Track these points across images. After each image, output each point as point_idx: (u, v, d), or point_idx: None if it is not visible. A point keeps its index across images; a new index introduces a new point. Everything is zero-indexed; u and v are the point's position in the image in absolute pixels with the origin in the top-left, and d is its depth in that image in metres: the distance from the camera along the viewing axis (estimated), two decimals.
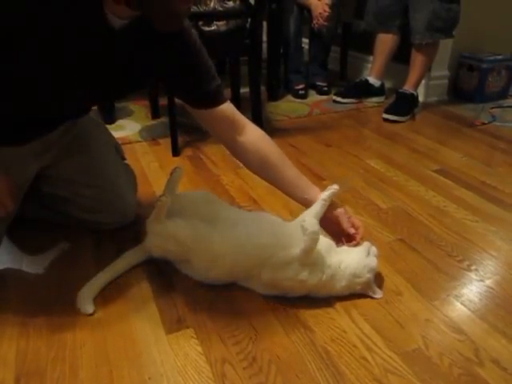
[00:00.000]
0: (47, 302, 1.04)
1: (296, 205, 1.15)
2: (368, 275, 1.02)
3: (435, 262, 1.17)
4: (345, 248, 1.08)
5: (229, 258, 1.02)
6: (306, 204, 1.09)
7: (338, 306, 1.02)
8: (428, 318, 0.99)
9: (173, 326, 0.97)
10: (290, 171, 1.14)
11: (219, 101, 1.07)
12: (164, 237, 1.06)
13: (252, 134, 1.12)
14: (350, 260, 1.03)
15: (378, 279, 1.10)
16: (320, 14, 2.46)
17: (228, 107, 1.10)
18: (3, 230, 1.12)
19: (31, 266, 1.15)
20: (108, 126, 2.06)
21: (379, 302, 1.03)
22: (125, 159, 1.36)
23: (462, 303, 1.03)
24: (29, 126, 1.06)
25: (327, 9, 2.45)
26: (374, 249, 1.07)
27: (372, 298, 1.04)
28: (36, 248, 1.22)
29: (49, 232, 1.28)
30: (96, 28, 0.87)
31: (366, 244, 1.08)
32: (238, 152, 1.13)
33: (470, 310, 1.01)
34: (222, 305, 1.03)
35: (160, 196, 1.07)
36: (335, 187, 1.06)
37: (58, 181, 1.21)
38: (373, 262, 1.05)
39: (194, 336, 0.94)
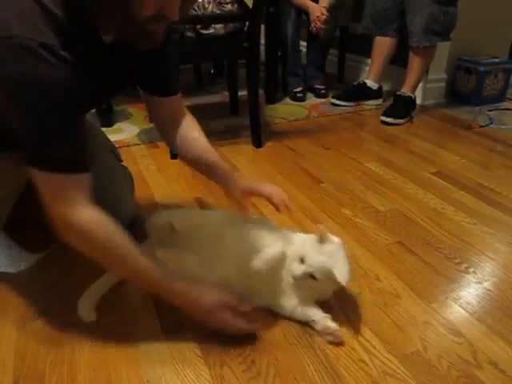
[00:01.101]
0: (45, 304, 1.04)
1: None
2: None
3: (433, 264, 1.18)
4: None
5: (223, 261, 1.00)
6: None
7: (336, 307, 1.02)
8: (426, 321, 0.99)
9: (172, 328, 0.97)
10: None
11: (177, 90, 1.13)
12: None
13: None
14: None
15: (376, 281, 1.10)
16: (318, 17, 2.47)
17: (178, 97, 1.15)
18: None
19: (28, 264, 1.15)
20: (106, 129, 2.08)
21: (377, 305, 1.03)
22: (121, 162, 1.36)
23: (460, 305, 1.03)
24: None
25: (325, 12, 2.46)
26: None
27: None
28: (35, 249, 1.22)
29: (46, 232, 1.27)
30: (96, 48, 0.90)
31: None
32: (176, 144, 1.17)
33: (468, 312, 1.02)
34: None
35: None
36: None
37: None
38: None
39: (193, 339, 0.94)
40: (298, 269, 0.93)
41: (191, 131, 1.16)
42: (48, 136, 0.82)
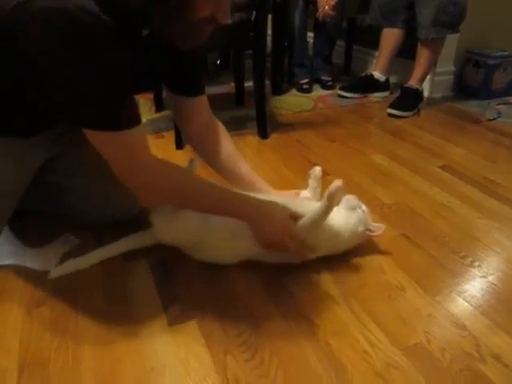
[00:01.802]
0: (49, 291, 1.04)
1: None
2: (363, 228, 1.13)
3: (438, 257, 1.17)
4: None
5: (240, 231, 1.05)
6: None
7: (340, 299, 1.02)
8: (430, 314, 0.99)
9: (175, 317, 0.97)
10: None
11: (203, 90, 1.16)
12: (174, 219, 1.07)
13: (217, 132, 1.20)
14: (341, 216, 1.11)
15: (381, 274, 1.10)
16: (326, 1, 2.44)
17: (205, 99, 1.18)
18: (5, 220, 1.12)
19: (34, 261, 1.15)
20: None
21: (382, 297, 1.03)
22: None
23: (464, 299, 1.03)
24: (44, 116, 1.06)
25: (331, 1, 2.44)
26: (359, 203, 1.15)
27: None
28: (38, 242, 1.22)
29: (50, 225, 1.28)
30: (132, 38, 0.91)
31: (345, 199, 1.15)
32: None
33: (472, 305, 1.01)
34: (225, 297, 1.03)
35: None
36: (339, 184, 1.03)
37: (63, 172, 1.21)
38: (363, 214, 1.13)
39: (197, 327, 0.94)
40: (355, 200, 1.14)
41: (225, 147, 1.19)
42: (109, 95, 0.85)
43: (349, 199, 1.14)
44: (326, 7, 2.45)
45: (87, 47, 0.77)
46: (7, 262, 1.14)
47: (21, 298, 1.02)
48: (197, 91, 1.14)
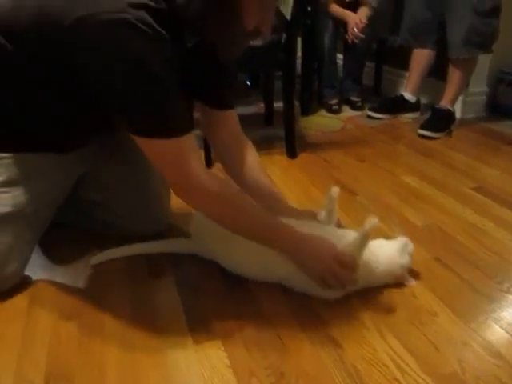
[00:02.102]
0: (78, 306, 1.05)
1: None
2: (399, 271, 1.07)
3: (473, 282, 1.13)
4: (379, 243, 1.10)
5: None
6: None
7: (369, 323, 0.99)
8: (465, 341, 0.94)
9: (201, 336, 0.96)
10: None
11: (232, 104, 1.18)
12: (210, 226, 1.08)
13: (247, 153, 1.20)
14: (384, 256, 1.06)
15: (412, 298, 1.07)
16: (356, 24, 2.46)
17: (234, 114, 1.19)
18: (41, 233, 1.15)
19: (64, 276, 1.17)
20: None
21: (413, 322, 0.99)
22: None
23: (501, 327, 0.99)
24: (82, 132, 1.11)
25: (364, 20, 2.45)
26: (410, 246, 1.10)
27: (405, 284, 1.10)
28: (68, 256, 1.24)
29: (80, 239, 1.30)
30: (179, 47, 0.93)
31: (401, 240, 1.10)
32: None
33: (509, 333, 0.97)
34: (251, 317, 1.01)
35: None
36: (375, 220, 1.00)
37: (96, 186, 1.25)
38: (407, 260, 1.08)
39: (222, 348, 0.93)
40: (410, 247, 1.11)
41: (251, 162, 1.19)
42: (165, 104, 0.87)
43: (407, 244, 1.10)
44: (356, 29, 2.46)
45: (147, 56, 0.81)
46: (39, 275, 1.16)
47: (50, 311, 1.04)
48: (227, 105, 1.17)
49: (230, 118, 1.19)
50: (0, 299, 1.06)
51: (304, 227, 1.06)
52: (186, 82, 0.97)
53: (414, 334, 0.96)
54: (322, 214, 1.16)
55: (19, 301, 1.07)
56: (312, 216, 1.17)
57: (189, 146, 0.92)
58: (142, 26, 0.79)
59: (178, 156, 0.92)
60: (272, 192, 1.20)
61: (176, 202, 1.46)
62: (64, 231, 1.31)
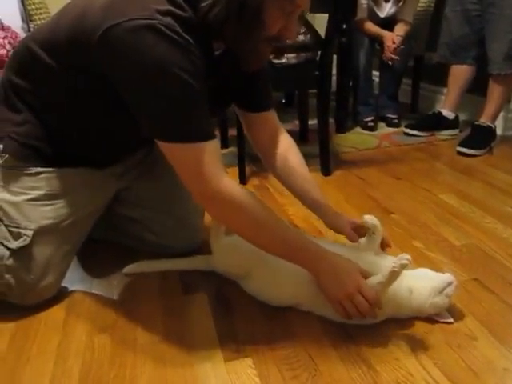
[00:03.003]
0: (111, 319, 1.07)
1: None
2: (432, 311, 1.00)
3: None
4: (420, 274, 1.04)
5: (292, 273, 1.03)
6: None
7: (404, 345, 0.96)
8: (506, 368, 0.90)
9: (231, 353, 0.96)
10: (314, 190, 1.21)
11: (271, 106, 1.20)
12: (227, 251, 1.10)
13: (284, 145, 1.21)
14: (418, 292, 1.00)
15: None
16: (388, 46, 2.44)
17: (273, 114, 1.21)
18: (79, 245, 1.19)
19: (99, 288, 1.20)
20: None
21: (451, 346, 0.96)
22: None
23: None
24: (118, 147, 1.15)
25: (397, 41, 2.43)
26: (451, 288, 1.01)
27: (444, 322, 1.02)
28: (104, 269, 1.27)
29: (115, 253, 1.33)
30: (206, 55, 0.95)
31: (445, 277, 1.02)
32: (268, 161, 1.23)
33: None
34: (282, 335, 1.00)
35: None
36: (407, 257, 0.92)
37: (132, 203, 1.28)
38: (442, 301, 1.00)
39: (252, 366, 0.92)
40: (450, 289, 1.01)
41: (291, 157, 1.20)
42: (190, 109, 0.88)
43: (450, 283, 1.01)
44: (389, 53, 2.45)
45: (173, 61, 0.83)
46: (76, 287, 1.19)
47: (85, 322, 1.06)
48: (262, 107, 1.18)
49: (268, 120, 1.20)
50: (38, 310, 1.10)
51: (336, 250, 1.03)
52: (214, 87, 0.98)
53: (452, 358, 0.93)
54: (363, 241, 1.12)
55: (56, 312, 1.10)
56: (346, 223, 1.14)
57: (211, 152, 0.92)
58: (169, 32, 0.82)
59: (198, 161, 0.91)
60: (310, 180, 1.21)
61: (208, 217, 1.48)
62: (100, 246, 1.35)
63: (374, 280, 0.96)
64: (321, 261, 0.99)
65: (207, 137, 0.91)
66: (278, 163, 1.20)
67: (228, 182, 0.94)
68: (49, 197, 1.07)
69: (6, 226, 1.03)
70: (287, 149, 1.20)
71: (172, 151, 0.92)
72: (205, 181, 0.92)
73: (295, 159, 1.20)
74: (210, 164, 0.91)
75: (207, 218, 1.34)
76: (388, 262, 0.99)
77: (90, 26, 0.86)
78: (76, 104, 1.01)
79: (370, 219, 1.09)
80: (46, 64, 0.97)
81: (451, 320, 1.02)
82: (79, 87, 0.97)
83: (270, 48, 0.97)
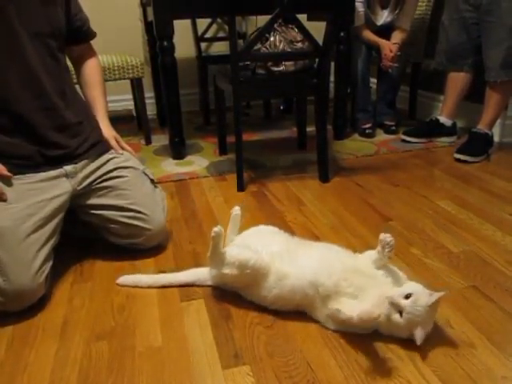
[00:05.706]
0: (109, 327, 1.07)
1: (359, 243, 1.12)
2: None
3: None
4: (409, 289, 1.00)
5: (291, 279, 1.05)
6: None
7: (403, 354, 0.96)
8: (505, 376, 0.90)
9: (229, 360, 0.96)
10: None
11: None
12: (227, 265, 1.09)
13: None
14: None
15: (448, 328, 1.03)
16: (385, 55, 2.46)
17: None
18: (50, 247, 1.19)
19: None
20: (178, 161, 2.19)
21: (449, 354, 0.96)
22: (154, 181, 1.45)
23: None
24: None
25: (394, 49, 2.45)
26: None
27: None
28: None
29: (113, 261, 1.34)
30: None
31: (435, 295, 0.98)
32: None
33: None
34: (280, 342, 1.00)
35: (214, 228, 1.10)
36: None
37: (92, 210, 1.33)
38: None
39: (250, 373, 0.92)
40: (398, 298, 0.96)
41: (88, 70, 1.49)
42: None
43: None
44: (386, 61, 2.46)
45: None
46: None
47: (83, 330, 1.06)
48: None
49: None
50: (36, 317, 1.10)
51: (334, 253, 1.05)
52: None
53: (451, 366, 0.92)
54: (370, 253, 1.10)
55: (54, 319, 1.10)
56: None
57: None
58: None
59: None
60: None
61: (208, 224, 1.47)
62: (98, 252, 1.36)
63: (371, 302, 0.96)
64: None
65: None
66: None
67: None
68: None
69: None
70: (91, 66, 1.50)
71: None
72: None
73: (91, 71, 1.49)
74: None
75: (205, 239, 1.34)
76: (379, 275, 1.03)
77: None
78: None
79: (387, 237, 1.05)
80: None
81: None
82: None
83: None
